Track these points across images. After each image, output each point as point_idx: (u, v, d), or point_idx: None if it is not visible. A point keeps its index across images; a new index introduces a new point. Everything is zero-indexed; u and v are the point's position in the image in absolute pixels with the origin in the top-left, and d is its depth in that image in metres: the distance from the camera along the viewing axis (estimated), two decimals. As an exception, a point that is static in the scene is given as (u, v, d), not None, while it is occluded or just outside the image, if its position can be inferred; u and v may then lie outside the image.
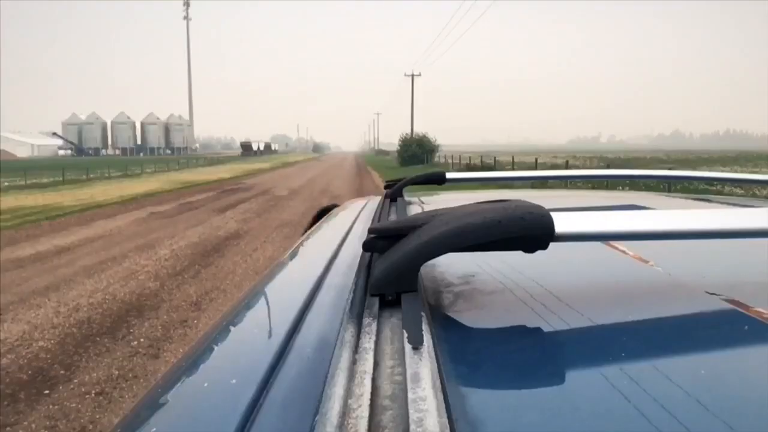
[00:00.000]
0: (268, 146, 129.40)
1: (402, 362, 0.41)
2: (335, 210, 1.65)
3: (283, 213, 13.87)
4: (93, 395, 3.95)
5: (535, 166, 25.31)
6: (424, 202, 1.52)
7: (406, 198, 1.53)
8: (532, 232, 0.53)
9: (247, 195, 19.59)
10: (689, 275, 0.73)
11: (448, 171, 1.72)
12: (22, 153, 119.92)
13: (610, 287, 0.69)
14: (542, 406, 0.41)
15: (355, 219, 1.28)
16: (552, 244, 0.55)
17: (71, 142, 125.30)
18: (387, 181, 1.66)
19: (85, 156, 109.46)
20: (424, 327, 0.46)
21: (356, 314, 0.51)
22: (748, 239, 0.67)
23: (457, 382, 0.42)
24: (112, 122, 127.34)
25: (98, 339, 5.02)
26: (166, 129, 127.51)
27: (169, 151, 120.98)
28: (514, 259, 0.62)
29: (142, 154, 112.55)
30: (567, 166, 26.15)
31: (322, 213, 1.81)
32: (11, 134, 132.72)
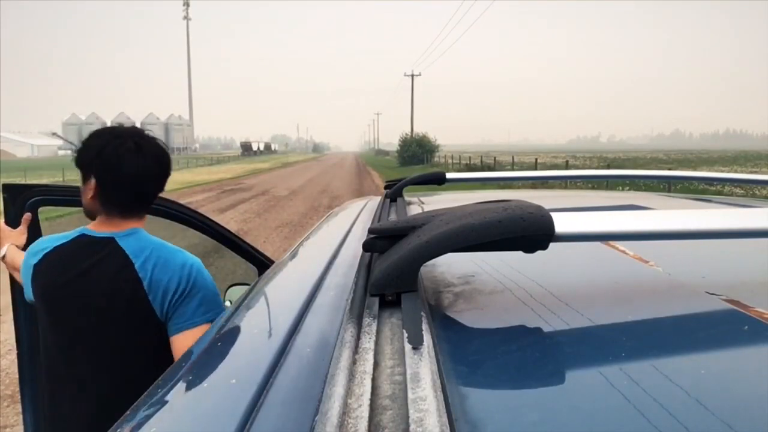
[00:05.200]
0: (267, 146, 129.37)
1: (402, 362, 0.41)
2: (335, 210, 1.65)
3: (283, 213, 13.87)
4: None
5: (535, 166, 25.31)
6: (424, 203, 1.52)
7: (406, 198, 1.53)
8: (532, 232, 0.53)
9: (247, 195, 19.58)
10: (689, 275, 0.73)
11: (448, 171, 1.72)
12: (21, 153, 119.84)
13: (610, 287, 0.69)
14: (542, 406, 0.41)
15: (355, 219, 1.28)
16: (552, 244, 0.55)
17: (71, 143, 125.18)
18: (387, 181, 1.66)
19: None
20: (424, 327, 0.46)
21: (356, 314, 0.51)
22: (748, 239, 0.67)
23: (457, 382, 0.42)
24: (112, 122, 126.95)
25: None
26: (166, 129, 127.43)
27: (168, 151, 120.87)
28: (514, 259, 0.62)
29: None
30: (567, 166, 26.16)
31: None
32: (11, 134, 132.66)
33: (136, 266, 1.26)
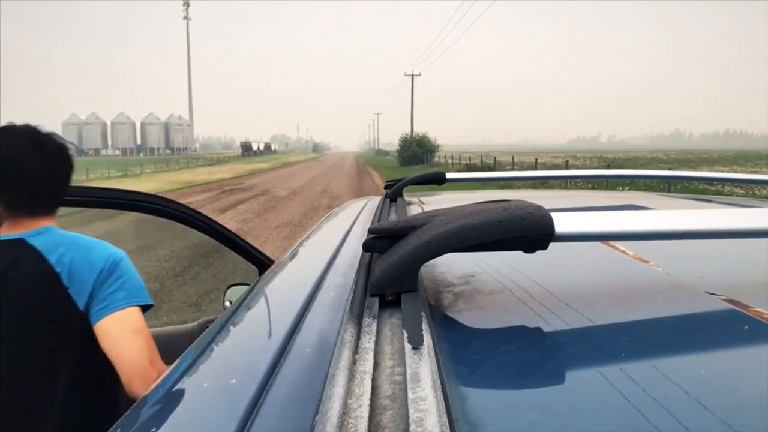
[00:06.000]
0: (267, 146, 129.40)
1: (402, 362, 0.41)
2: (335, 210, 1.66)
3: (283, 213, 13.87)
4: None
5: (535, 166, 25.32)
6: (424, 203, 1.52)
7: (406, 198, 1.53)
8: (532, 232, 0.53)
9: (247, 195, 19.59)
10: (689, 275, 0.73)
11: (448, 171, 1.72)
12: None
13: (610, 287, 0.69)
14: (542, 406, 0.41)
15: (355, 219, 1.28)
16: (552, 244, 0.55)
17: (71, 143, 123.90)
18: (387, 181, 1.66)
19: (85, 156, 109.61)
20: (424, 327, 0.46)
21: (356, 314, 0.51)
22: (748, 239, 0.67)
23: (457, 382, 0.42)
24: (111, 122, 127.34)
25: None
26: (166, 129, 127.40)
27: (168, 151, 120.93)
28: (514, 259, 0.62)
29: (141, 154, 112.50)
30: (567, 166, 26.18)
31: None
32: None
33: (52, 262, 1.18)
